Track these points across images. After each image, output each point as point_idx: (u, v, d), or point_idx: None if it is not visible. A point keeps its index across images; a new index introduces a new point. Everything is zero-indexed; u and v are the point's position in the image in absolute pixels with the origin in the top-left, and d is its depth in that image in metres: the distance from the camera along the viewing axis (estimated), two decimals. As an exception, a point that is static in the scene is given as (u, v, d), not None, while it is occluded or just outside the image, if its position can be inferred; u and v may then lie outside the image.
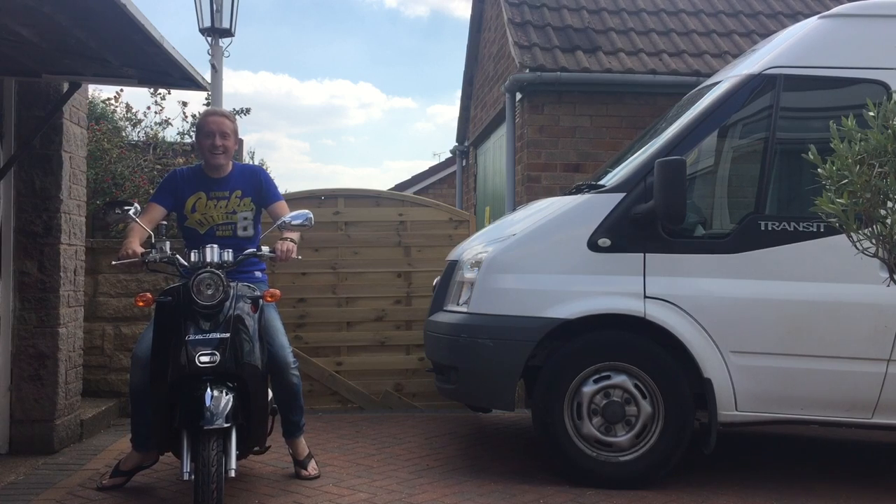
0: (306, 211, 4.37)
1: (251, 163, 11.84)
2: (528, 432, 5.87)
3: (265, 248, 4.35)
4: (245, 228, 4.59)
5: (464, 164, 13.42)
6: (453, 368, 5.01)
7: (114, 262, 4.34)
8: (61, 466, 5.04)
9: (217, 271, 4.01)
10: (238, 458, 3.96)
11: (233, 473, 3.83)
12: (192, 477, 3.72)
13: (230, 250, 4.22)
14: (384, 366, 7.03)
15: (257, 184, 4.64)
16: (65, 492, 4.48)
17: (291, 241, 4.41)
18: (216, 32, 8.16)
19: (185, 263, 4.15)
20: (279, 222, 4.37)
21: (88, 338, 6.34)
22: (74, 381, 5.71)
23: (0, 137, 5.26)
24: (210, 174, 4.60)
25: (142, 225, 4.31)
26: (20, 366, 5.35)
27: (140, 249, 4.22)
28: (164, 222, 4.48)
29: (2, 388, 5.30)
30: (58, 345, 5.40)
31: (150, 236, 4.30)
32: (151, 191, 7.56)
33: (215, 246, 4.17)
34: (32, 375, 5.35)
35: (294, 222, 4.31)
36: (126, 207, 4.24)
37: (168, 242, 4.22)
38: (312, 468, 4.70)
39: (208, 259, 4.10)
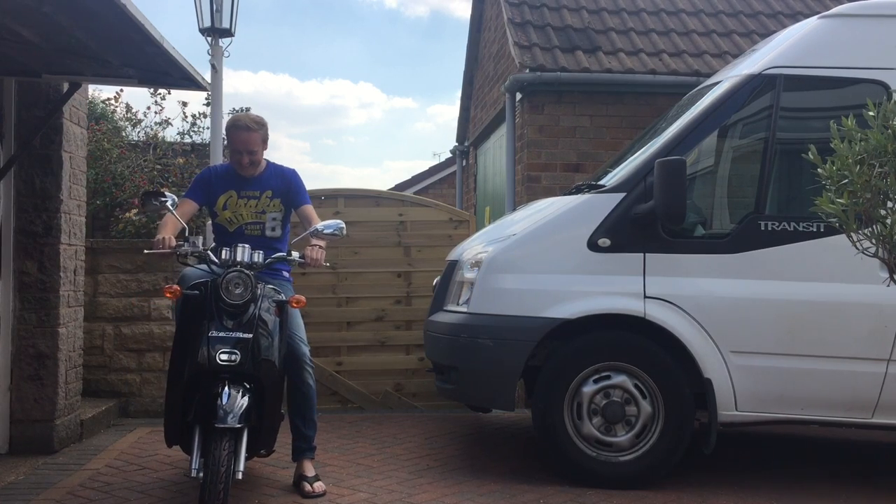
0: (339, 221, 4.43)
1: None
2: (528, 432, 5.87)
3: (295, 254, 4.42)
4: (273, 229, 4.64)
5: (464, 164, 13.41)
6: (453, 368, 5.01)
7: (146, 251, 4.40)
8: (61, 466, 5.03)
9: (247, 271, 4.04)
10: (245, 459, 3.96)
11: (240, 475, 3.81)
12: (201, 474, 3.71)
13: (261, 252, 4.26)
14: (384, 366, 7.03)
15: (288, 186, 4.70)
16: (65, 492, 4.48)
17: (319, 247, 4.45)
18: (216, 32, 8.14)
19: (216, 260, 4.19)
20: (311, 230, 4.42)
21: (88, 338, 6.34)
22: (74, 381, 5.71)
23: (0, 137, 5.26)
24: (242, 173, 4.65)
25: (177, 217, 4.35)
26: (20, 366, 5.35)
27: (174, 241, 4.27)
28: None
29: (2, 388, 5.30)
30: (58, 345, 5.40)
31: (183, 229, 4.34)
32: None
33: (247, 246, 4.22)
34: (32, 375, 5.35)
35: (326, 231, 4.37)
36: (163, 199, 4.31)
37: (201, 237, 4.29)
38: (319, 486, 4.50)
39: (239, 258, 4.13)
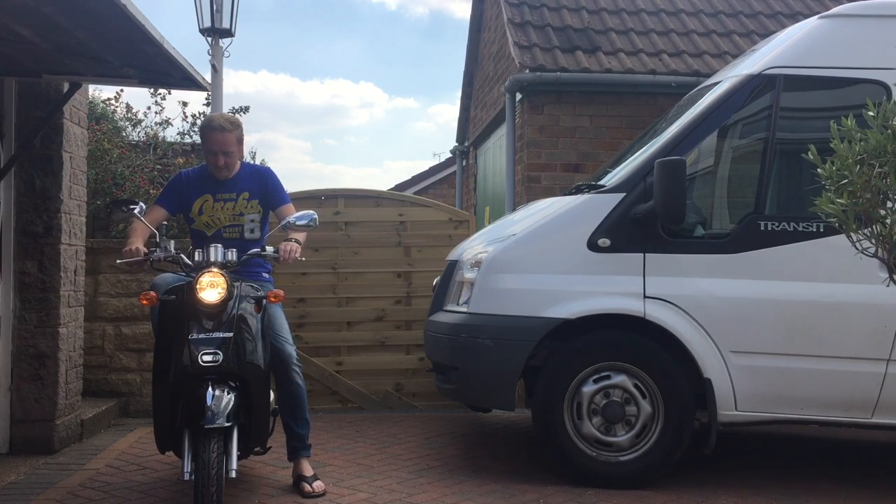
0: (311, 212, 4.38)
1: (252, 162, 11.80)
2: (528, 432, 5.87)
3: (269, 249, 4.35)
4: (252, 231, 4.58)
5: (464, 164, 13.42)
6: (453, 368, 5.01)
7: (118, 262, 4.37)
8: (61, 466, 5.04)
9: (221, 270, 4.01)
10: (239, 458, 3.96)
11: (233, 474, 3.81)
12: (193, 477, 3.72)
13: (234, 250, 4.22)
14: (384, 366, 7.03)
15: (264, 186, 4.64)
16: (65, 492, 4.48)
17: (296, 241, 4.41)
18: (216, 32, 8.15)
19: (190, 263, 4.16)
20: (283, 223, 4.39)
21: (88, 338, 6.34)
22: (75, 381, 5.72)
23: (0, 137, 5.27)
24: (217, 175, 4.60)
25: (146, 224, 4.32)
26: (20, 366, 5.35)
27: (144, 248, 4.24)
28: (165, 223, 4.50)
29: (2, 388, 5.30)
30: (58, 345, 5.40)
31: (153, 236, 4.31)
32: (152, 191, 7.58)
33: (220, 245, 4.18)
34: (33, 375, 5.35)
35: (299, 223, 4.33)
36: (132, 206, 4.29)
37: (172, 242, 4.24)
38: (318, 486, 4.49)
39: (212, 258, 4.10)
